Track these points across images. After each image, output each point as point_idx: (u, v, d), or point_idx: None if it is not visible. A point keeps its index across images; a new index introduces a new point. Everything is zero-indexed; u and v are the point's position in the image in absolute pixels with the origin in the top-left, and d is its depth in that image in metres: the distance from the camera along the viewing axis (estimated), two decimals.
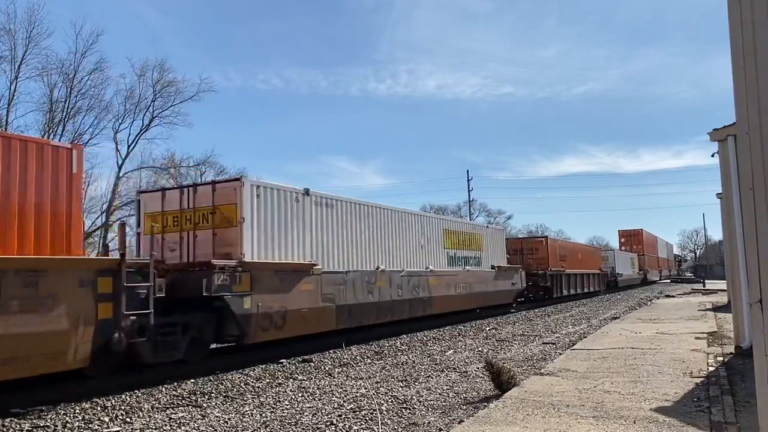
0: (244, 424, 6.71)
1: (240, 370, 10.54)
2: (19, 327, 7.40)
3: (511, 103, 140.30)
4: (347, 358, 11.86)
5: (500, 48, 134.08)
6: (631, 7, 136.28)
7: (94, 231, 35.95)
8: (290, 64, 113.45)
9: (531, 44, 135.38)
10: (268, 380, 9.65)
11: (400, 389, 8.44)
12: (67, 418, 7.26)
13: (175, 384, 9.33)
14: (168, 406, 7.92)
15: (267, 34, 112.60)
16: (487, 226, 25.83)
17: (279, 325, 11.68)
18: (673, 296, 33.16)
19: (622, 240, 60.72)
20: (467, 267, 21.30)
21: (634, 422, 5.74)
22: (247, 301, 10.92)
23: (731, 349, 10.47)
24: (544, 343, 13.30)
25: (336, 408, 7.33)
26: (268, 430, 6.43)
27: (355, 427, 6.36)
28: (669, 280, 75.29)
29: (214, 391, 8.81)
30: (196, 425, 6.77)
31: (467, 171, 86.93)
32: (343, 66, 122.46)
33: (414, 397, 7.81)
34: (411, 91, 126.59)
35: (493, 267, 23.32)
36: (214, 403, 7.98)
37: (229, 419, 6.99)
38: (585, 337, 13.95)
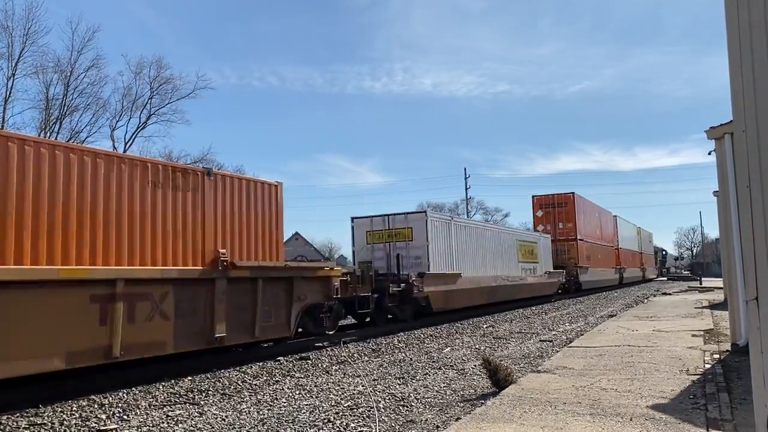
0: (242, 422, 6.71)
1: (237, 368, 10.54)
2: None
3: (507, 101, 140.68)
4: (345, 356, 11.87)
5: (495, 46, 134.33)
6: (626, 6, 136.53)
7: None
8: (286, 61, 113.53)
9: (526, 43, 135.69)
10: (265, 378, 9.65)
11: (397, 387, 8.45)
12: (64, 416, 7.25)
13: (173, 381, 9.33)
14: (165, 403, 7.92)
15: (262, 31, 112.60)
16: None
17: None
18: (670, 294, 33.26)
19: (539, 214, 35.88)
20: None
21: (631, 419, 5.75)
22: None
23: (727, 346, 10.50)
24: (541, 341, 13.32)
25: (333, 405, 7.34)
26: (265, 427, 6.43)
27: (352, 425, 6.36)
28: (666, 278, 69.07)
29: (211, 388, 8.81)
30: (193, 422, 6.77)
31: (465, 169, 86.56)
32: (338, 64, 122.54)
33: (411, 395, 7.82)
34: (407, 89, 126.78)
35: None
36: (211, 401, 7.98)
37: (226, 416, 6.99)
38: (582, 334, 13.97)
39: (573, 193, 35.77)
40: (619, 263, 46.38)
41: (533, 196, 36.33)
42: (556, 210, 35.52)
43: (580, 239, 35.49)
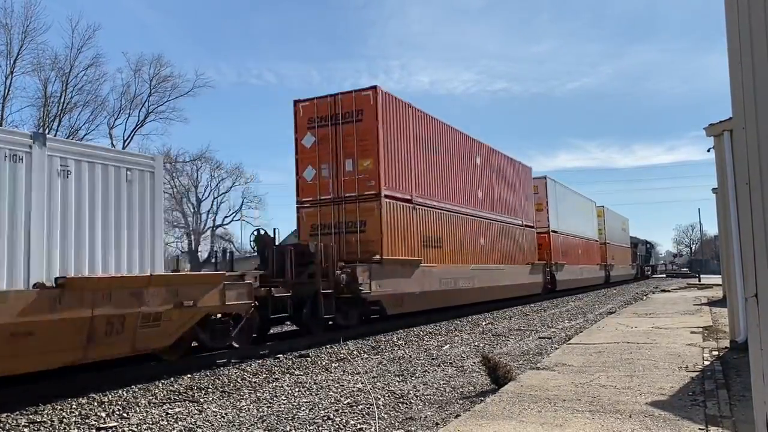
0: (241, 419, 6.71)
1: (237, 366, 10.54)
2: None
3: (505, 98, 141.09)
4: (344, 353, 11.87)
5: (493, 43, 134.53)
6: (623, 3, 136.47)
7: None
8: (283, 58, 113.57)
9: (524, 40, 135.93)
10: (264, 375, 9.65)
11: (396, 384, 8.46)
12: (64, 414, 7.25)
13: (172, 379, 9.33)
14: (165, 401, 7.92)
15: (259, 28, 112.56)
16: None
17: None
18: (669, 291, 33.33)
19: (307, 142, 16.39)
20: None
21: (630, 416, 5.76)
22: None
23: (726, 343, 10.52)
24: (540, 338, 13.34)
25: (333, 403, 7.34)
26: (265, 424, 6.43)
27: (352, 422, 6.37)
28: (653, 277, 61.88)
29: (210, 386, 8.81)
30: (192, 420, 6.77)
31: None
32: (335, 61, 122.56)
33: (411, 392, 7.83)
34: (404, 86, 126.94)
35: None
36: (210, 398, 7.98)
37: (225, 414, 7.00)
38: (581, 331, 13.99)
39: (375, 87, 16.00)
40: (547, 257, 29.29)
41: (295, 102, 16.73)
42: (341, 129, 16.10)
43: (390, 196, 15.95)
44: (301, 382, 8.85)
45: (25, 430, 6.67)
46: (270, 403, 7.53)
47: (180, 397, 8.15)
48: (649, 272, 68.29)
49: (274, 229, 14.69)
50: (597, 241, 41.31)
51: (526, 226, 27.47)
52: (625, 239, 52.47)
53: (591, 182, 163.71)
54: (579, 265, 34.95)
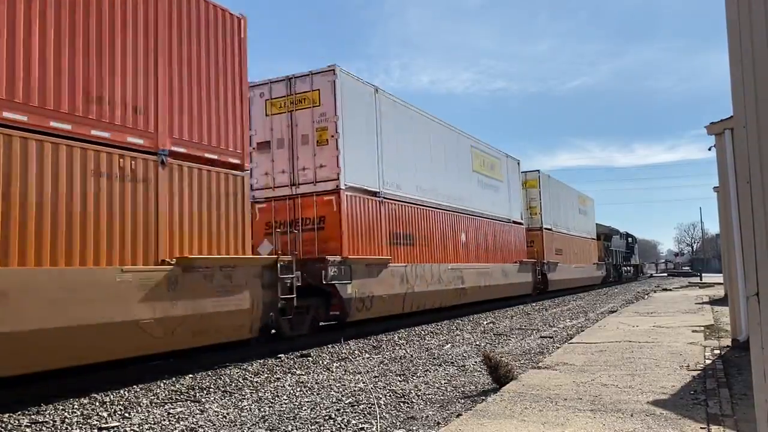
0: (243, 419, 6.72)
1: (238, 365, 10.55)
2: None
3: (504, 97, 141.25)
4: (345, 353, 11.88)
5: (492, 43, 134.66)
6: (622, 2, 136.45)
7: None
8: (282, 58, 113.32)
9: (523, 39, 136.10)
10: (266, 375, 9.66)
11: (398, 383, 8.46)
12: (66, 414, 7.26)
13: (174, 379, 9.34)
14: (166, 401, 7.93)
15: (258, 28, 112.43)
16: None
17: None
18: (670, 290, 33.35)
19: None
20: None
21: (632, 415, 5.76)
22: None
23: (728, 342, 10.52)
24: (541, 337, 13.34)
25: (334, 402, 7.35)
26: (266, 424, 6.44)
27: (353, 422, 6.37)
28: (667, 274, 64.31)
29: (212, 386, 8.83)
30: (194, 420, 6.78)
31: None
32: (335, 60, 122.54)
33: (412, 391, 7.83)
34: (404, 86, 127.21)
35: None
36: (212, 398, 7.99)
37: (227, 414, 7.00)
38: (582, 330, 13.99)
39: None
40: (331, 244, 13.49)
41: None
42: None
43: None
44: (302, 382, 8.85)
45: (27, 430, 6.68)
46: (272, 402, 7.54)
47: (182, 396, 8.16)
48: (630, 273, 51.26)
49: None
50: (521, 224, 26.70)
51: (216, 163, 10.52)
52: (586, 227, 37.15)
53: (591, 181, 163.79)
54: (465, 262, 20.39)
